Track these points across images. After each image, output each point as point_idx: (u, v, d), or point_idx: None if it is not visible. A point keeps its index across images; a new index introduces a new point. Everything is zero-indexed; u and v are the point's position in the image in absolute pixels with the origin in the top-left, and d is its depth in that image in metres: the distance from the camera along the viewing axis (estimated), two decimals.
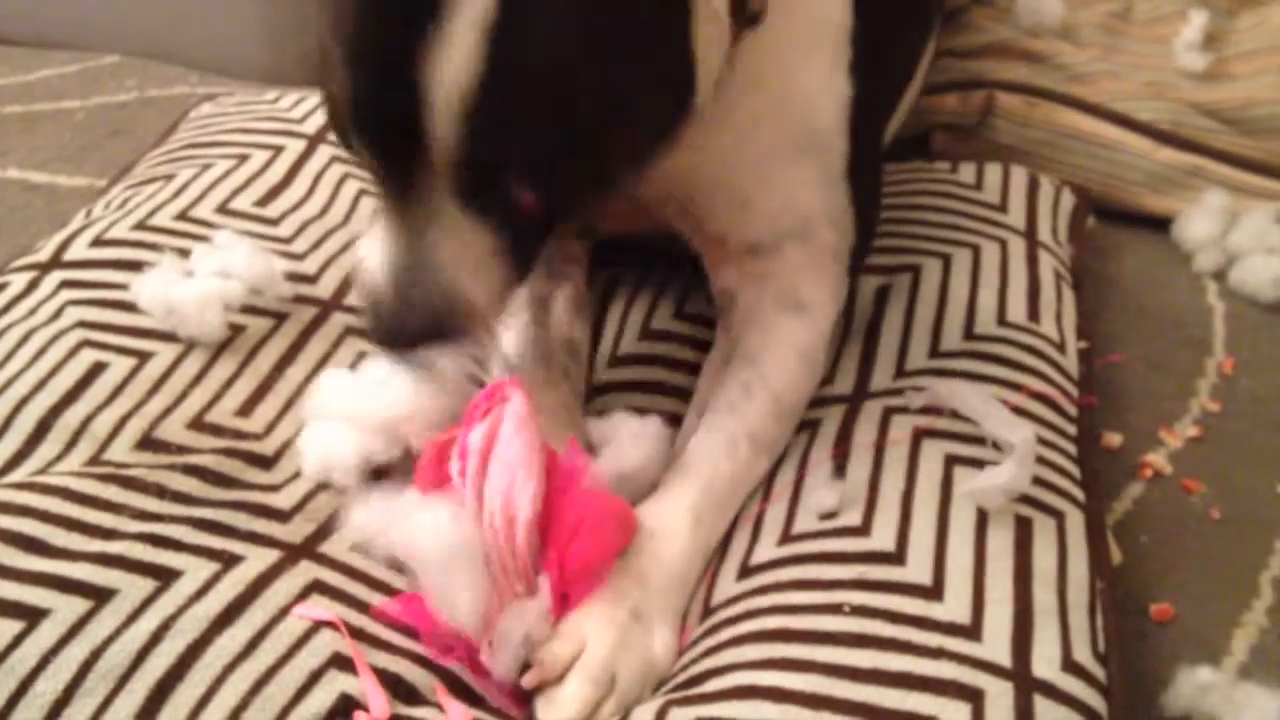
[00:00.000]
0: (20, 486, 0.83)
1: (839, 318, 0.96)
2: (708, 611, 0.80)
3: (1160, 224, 1.34)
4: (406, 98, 0.69)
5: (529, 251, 0.79)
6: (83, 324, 0.98)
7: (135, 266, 1.03)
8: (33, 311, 1.00)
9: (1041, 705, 0.71)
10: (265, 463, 0.89)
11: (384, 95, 0.70)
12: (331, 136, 1.22)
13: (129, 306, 0.99)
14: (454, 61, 0.68)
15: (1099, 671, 0.75)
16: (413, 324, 0.75)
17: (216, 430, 0.91)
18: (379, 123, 0.72)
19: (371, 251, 0.77)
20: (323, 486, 0.86)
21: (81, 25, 1.86)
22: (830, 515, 0.84)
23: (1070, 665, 0.74)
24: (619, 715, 0.73)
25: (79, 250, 1.06)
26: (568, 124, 0.71)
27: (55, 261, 1.05)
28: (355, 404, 0.88)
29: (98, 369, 0.94)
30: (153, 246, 1.05)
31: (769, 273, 0.93)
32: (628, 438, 0.86)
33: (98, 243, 1.07)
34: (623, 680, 0.73)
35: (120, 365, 0.95)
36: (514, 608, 0.74)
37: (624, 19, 0.73)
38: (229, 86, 1.49)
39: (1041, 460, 0.87)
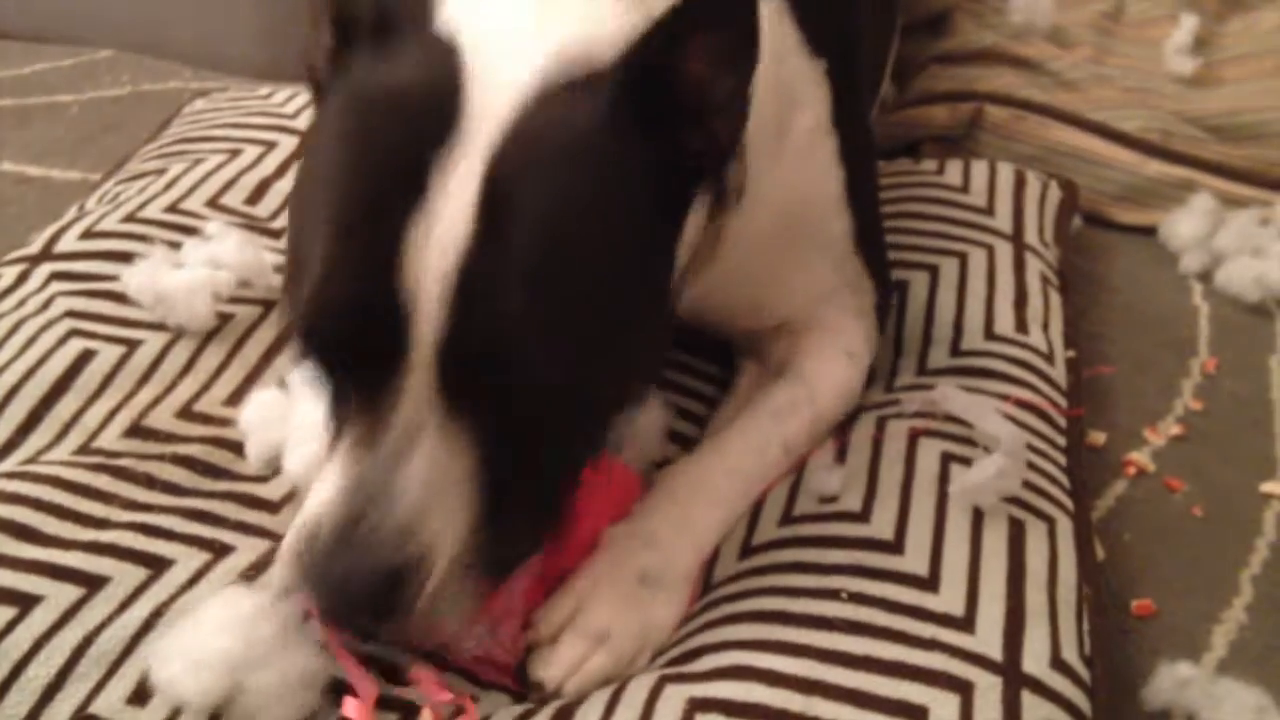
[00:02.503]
0: (11, 475, 0.83)
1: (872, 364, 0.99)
2: (707, 587, 0.81)
3: (1147, 227, 1.35)
4: (391, 286, 0.63)
5: (505, 489, 0.68)
6: (71, 314, 0.98)
7: (125, 258, 1.03)
8: (22, 302, 1.00)
9: (1029, 701, 0.72)
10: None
11: (366, 285, 0.64)
12: None
13: (118, 297, 1.00)
14: (442, 244, 0.63)
15: (1084, 672, 0.76)
16: (354, 568, 0.64)
17: (205, 419, 0.91)
18: (359, 316, 0.64)
19: (321, 487, 0.67)
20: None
21: (76, 19, 1.86)
22: (831, 499, 0.85)
23: (1058, 664, 0.75)
24: (612, 672, 0.74)
25: (69, 243, 1.06)
26: (559, 319, 0.65)
27: (45, 254, 1.05)
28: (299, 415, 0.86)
29: (86, 357, 0.94)
30: (142, 238, 1.05)
31: (810, 330, 0.97)
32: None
33: (87, 235, 1.07)
34: (617, 638, 0.74)
35: (109, 354, 0.95)
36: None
37: (615, 207, 0.69)
38: (223, 82, 1.49)
39: (1033, 468, 0.88)
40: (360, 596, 0.65)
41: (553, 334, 0.65)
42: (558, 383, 0.66)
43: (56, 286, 1.02)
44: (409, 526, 0.64)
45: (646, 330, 0.74)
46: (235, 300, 1.01)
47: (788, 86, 0.87)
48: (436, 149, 0.64)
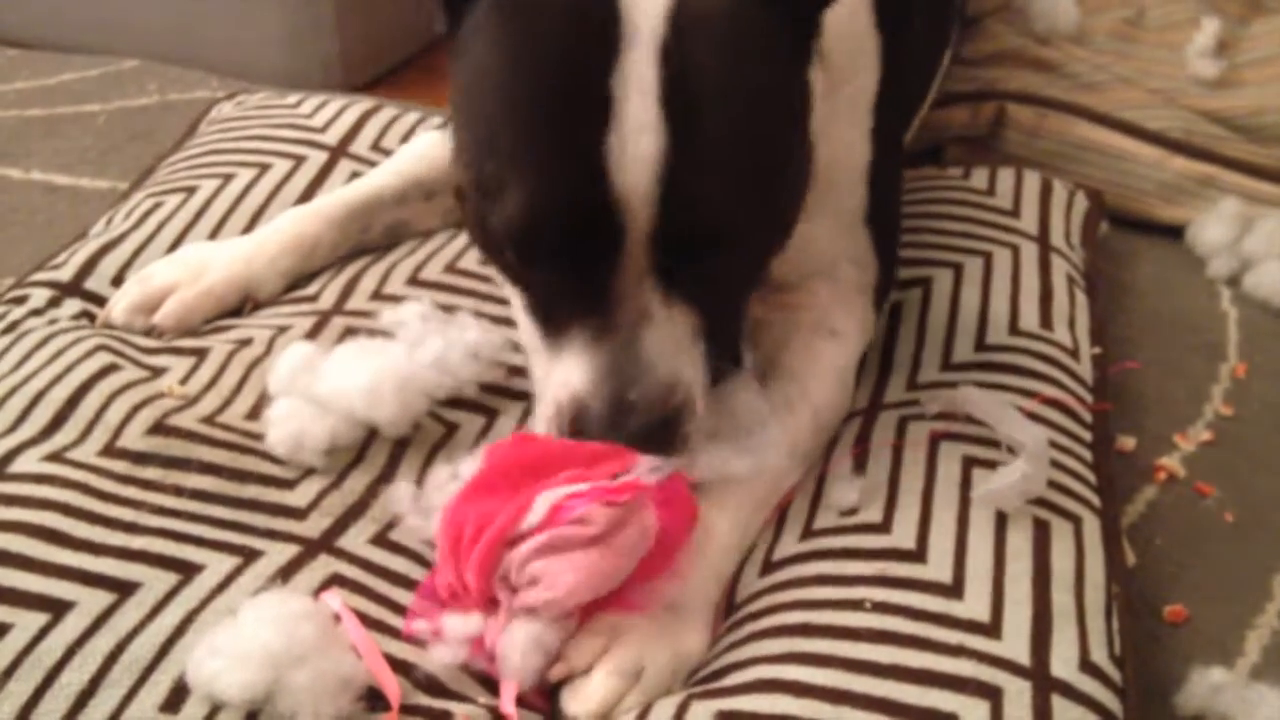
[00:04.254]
0: (40, 479, 0.84)
1: (866, 347, 0.99)
2: (731, 606, 0.81)
3: (1174, 230, 1.35)
4: (600, 191, 0.71)
5: (727, 330, 0.81)
6: (103, 347, 0.98)
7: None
8: (53, 322, 1.01)
9: (1059, 705, 0.71)
10: (279, 461, 0.88)
11: (576, 195, 0.71)
12: (353, 149, 1.24)
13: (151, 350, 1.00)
14: (640, 143, 0.70)
15: (1115, 673, 0.76)
16: (636, 426, 0.75)
17: (227, 428, 0.91)
18: (575, 224, 0.72)
19: (568, 372, 0.77)
20: (335, 485, 0.87)
21: (103, 29, 1.88)
22: (851, 511, 0.85)
23: (1087, 666, 0.74)
24: (644, 705, 0.73)
25: (101, 284, 1.07)
26: (750, 185, 0.74)
27: (77, 287, 1.06)
28: (324, 384, 0.87)
29: (112, 368, 0.95)
30: None
31: (799, 304, 0.97)
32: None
33: (119, 282, 1.07)
34: (650, 673, 0.74)
35: (132, 371, 0.96)
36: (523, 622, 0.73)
37: (769, 72, 0.78)
38: (249, 90, 1.49)
39: (1057, 465, 0.88)
40: (646, 440, 0.75)
41: (744, 205, 0.74)
42: (751, 245, 0.78)
43: (88, 324, 1.02)
44: (669, 385, 0.76)
45: (805, 174, 0.83)
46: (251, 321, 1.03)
47: (853, 56, 0.93)
48: (611, 53, 0.71)
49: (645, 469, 0.74)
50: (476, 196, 0.78)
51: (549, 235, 0.74)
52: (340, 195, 1.11)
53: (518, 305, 0.83)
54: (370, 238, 1.11)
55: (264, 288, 1.05)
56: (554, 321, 0.78)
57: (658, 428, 0.76)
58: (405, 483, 0.85)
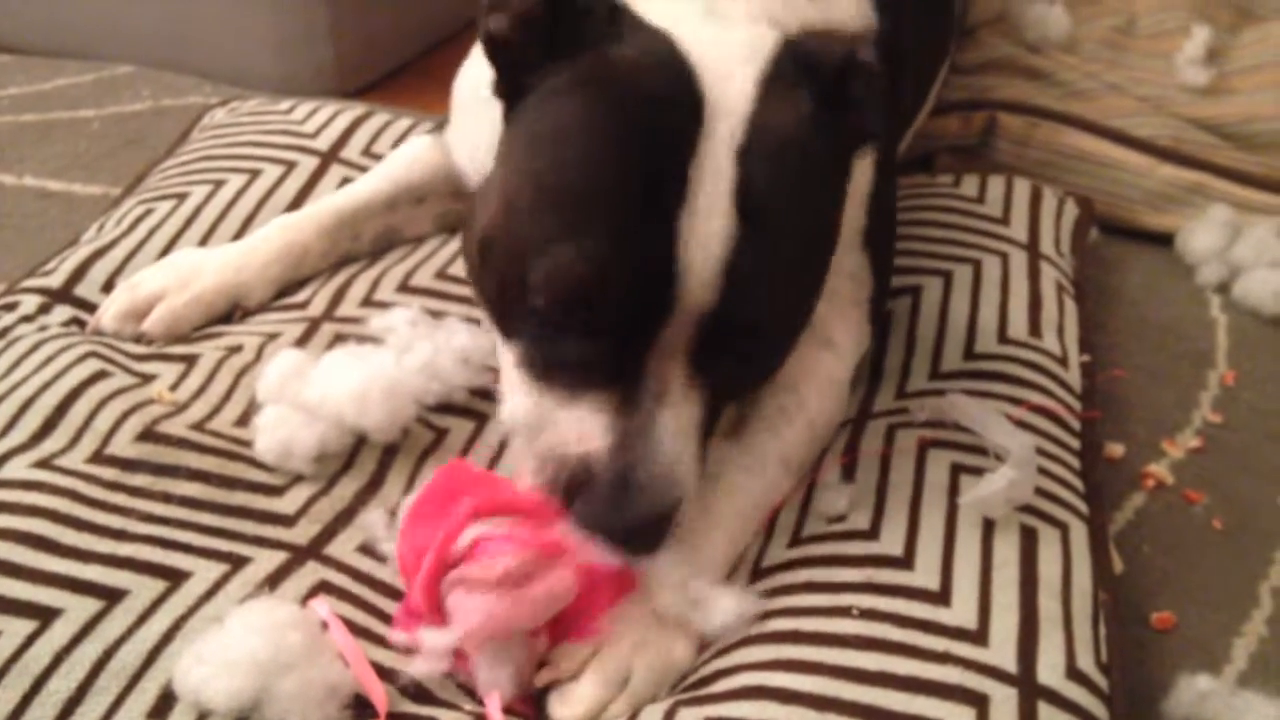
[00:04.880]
0: (28, 486, 0.84)
1: (862, 359, 0.99)
2: None
3: (1164, 238, 1.35)
4: (665, 261, 0.72)
5: (712, 426, 0.81)
6: (93, 354, 0.98)
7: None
8: (43, 329, 1.01)
9: (1045, 712, 0.72)
10: (268, 468, 0.88)
11: (643, 258, 0.73)
12: (344, 155, 1.24)
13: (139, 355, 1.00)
14: (711, 225, 0.73)
15: (1101, 680, 0.76)
16: (635, 511, 0.73)
17: (216, 435, 0.91)
18: (635, 286, 0.73)
19: (576, 430, 0.75)
20: (324, 492, 0.87)
21: (96, 35, 1.88)
22: (839, 519, 0.85)
23: (1074, 673, 0.75)
24: (631, 713, 0.74)
25: (91, 290, 1.07)
26: (795, 290, 0.79)
27: (67, 294, 1.06)
28: (312, 391, 0.88)
29: (101, 375, 0.95)
30: None
31: None
32: None
33: (109, 288, 1.07)
34: (637, 680, 0.74)
35: (122, 378, 0.96)
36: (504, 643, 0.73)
37: (825, 192, 0.83)
38: (242, 96, 1.49)
39: (1045, 473, 0.88)
40: (636, 534, 0.74)
41: (787, 307, 0.80)
42: (779, 346, 0.81)
43: (78, 331, 1.02)
44: (671, 475, 0.75)
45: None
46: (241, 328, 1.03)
47: None
48: (692, 141, 0.74)
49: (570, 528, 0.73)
50: (516, 248, 0.76)
51: (606, 290, 0.73)
52: (330, 202, 1.11)
53: (506, 357, 0.82)
54: (361, 245, 1.12)
55: (253, 295, 1.05)
56: (560, 379, 0.77)
57: (653, 523, 0.74)
58: (380, 511, 0.85)
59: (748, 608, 0.78)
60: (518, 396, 0.79)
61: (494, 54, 0.81)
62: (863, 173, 0.97)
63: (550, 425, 0.77)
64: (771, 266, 0.75)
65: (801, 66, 0.79)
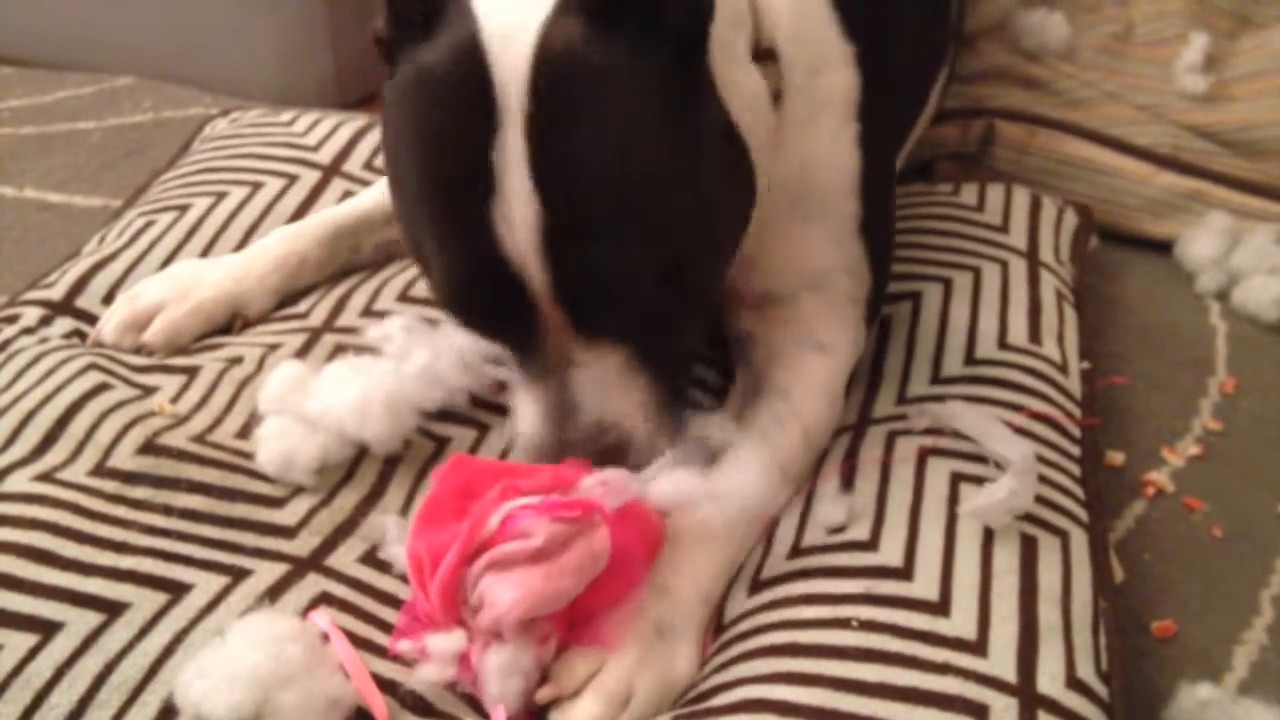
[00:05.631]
0: (30, 499, 0.84)
1: (857, 359, 0.99)
2: (719, 627, 0.81)
3: (1163, 245, 1.35)
4: (497, 258, 0.75)
5: (670, 370, 0.84)
6: (94, 366, 0.98)
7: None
8: (44, 340, 1.02)
9: None
10: (268, 478, 0.89)
11: (478, 264, 0.76)
12: (346, 168, 1.25)
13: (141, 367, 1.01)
14: (518, 210, 0.74)
15: (1102, 689, 0.76)
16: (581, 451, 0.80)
17: (217, 447, 0.91)
18: (484, 290, 0.77)
19: (523, 412, 0.83)
20: (325, 503, 0.87)
21: (97, 47, 1.89)
22: (839, 529, 0.85)
23: (1074, 682, 0.74)
24: None
25: (92, 302, 1.07)
26: (638, 226, 0.76)
27: (68, 306, 1.07)
28: (314, 403, 0.88)
29: (102, 387, 0.95)
30: None
31: (788, 318, 0.97)
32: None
33: (110, 300, 1.07)
34: (639, 698, 0.74)
35: (123, 390, 0.96)
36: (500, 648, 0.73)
37: (640, 105, 0.77)
38: (243, 107, 1.50)
39: (1045, 480, 0.88)
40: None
41: (635, 248, 0.76)
42: (659, 282, 0.78)
43: (79, 343, 1.03)
44: (600, 423, 0.80)
45: (727, 198, 0.84)
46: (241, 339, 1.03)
47: (816, 55, 0.94)
48: (485, 126, 0.74)
49: (600, 488, 0.76)
50: (408, 244, 0.83)
51: (467, 301, 0.80)
52: (329, 215, 1.12)
53: None
54: (361, 256, 1.12)
55: (253, 305, 1.05)
56: (511, 365, 0.85)
57: (602, 461, 0.79)
58: (392, 515, 0.85)
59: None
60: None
61: (383, 55, 0.83)
62: (843, 149, 0.96)
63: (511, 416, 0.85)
64: (596, 218, 0.75)
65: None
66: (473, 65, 0.75)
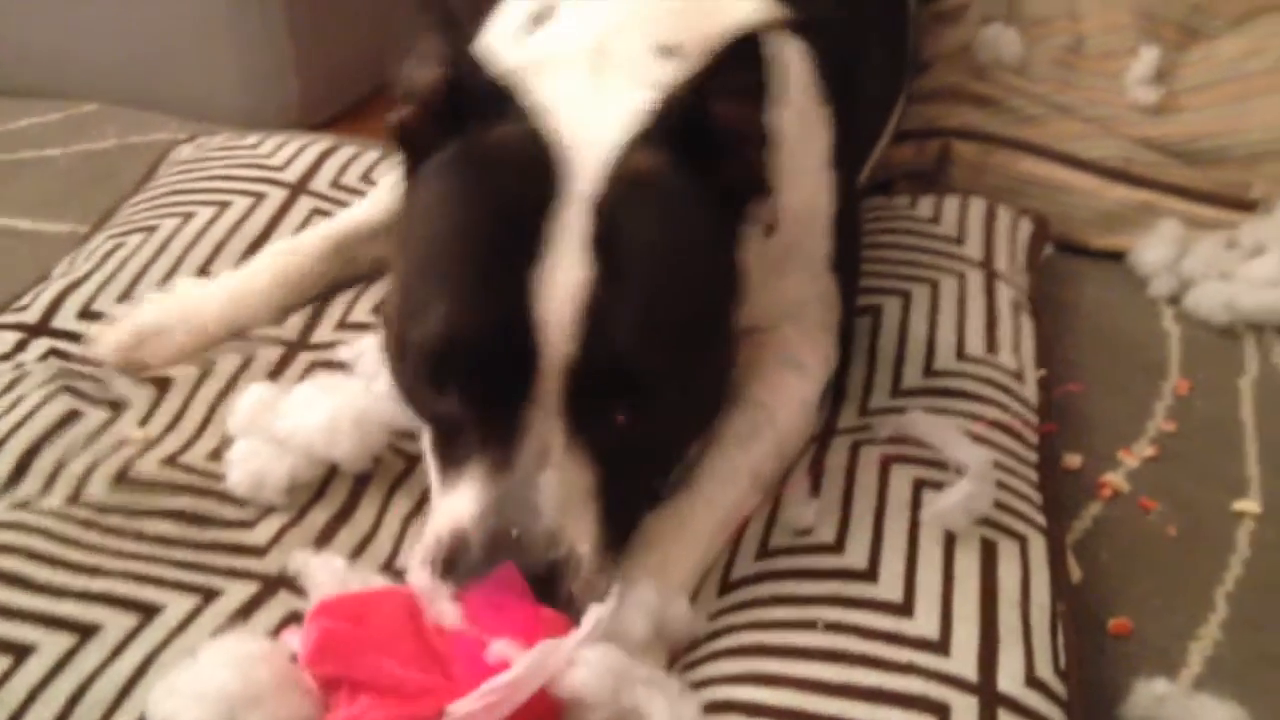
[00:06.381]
0: (4, 526, 0.84)
1: (831, 380, 1.02)
2: None
3: (1116, 252, 1.37)
4: (520, 315, 0.73)
5: (627, 499, 0.80)
6: (69, 389, 0.99)
7: None
8: (19, 366, 1.02)
9: (1005, 719, 0.73)
10: (239, 501, 0.89)
11: (496, 315, 0.74)
12: (313, 186, 1.25)
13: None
14: (563, 275, 0.74)
15: (1060, 687, 0.78)
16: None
17: (189, 469, 0.92)
18: (491, 342, 0.74)
19: (456, 504, 0.76)
20: (295, 522, 0.88)
21: (61, 72, 1.89)
22: (805, 532, 0.87)
23: (1033, 681, 0.77)
24: None
25: (68, 319, 1.08)
26: (668, 341, 0.77)
27: (43, 327, 1.07)
28: (283, 423, 0.89)
29: (73, 415, 0.96)
30: None
31: (767, 342, 1.00)
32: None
33: (85, 315, 1.08)
34: None
35: (94, 414, 0.96)
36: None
37: (695, 236, 0.82)
38: (209, 131, 1.50)
39: (1004, 486, 0.90)
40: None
41: (660, 358, 0.76)
42: (665, 400, 0.77)
43: (56, 363, 1.03)
44: (553, 534, 0.74)
45: (726, 344, 0.87)
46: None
47: (804, 124, 0.97)
48: (548, 202, 0.76)
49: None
50: (401, 318, 0.80)
51: (466, 351, 0.75)
52: (325, 229, 1.13)
53: (426, 446, 0.83)
54: (358, 268, 1.13)
55: (254, 322, 1.06)
56: (455, 457, 0.78)
57: (538, 577, 0.73)
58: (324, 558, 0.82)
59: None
60: (433, 489, 0.81)
61: (402, 140, 0.85)
62: (821, 198, 1.00)
63: (435, 508, 0.79)
64: (635, 314, 0.75)
65: (664, 123, 0.80)
66: (541, 148, 0.78)
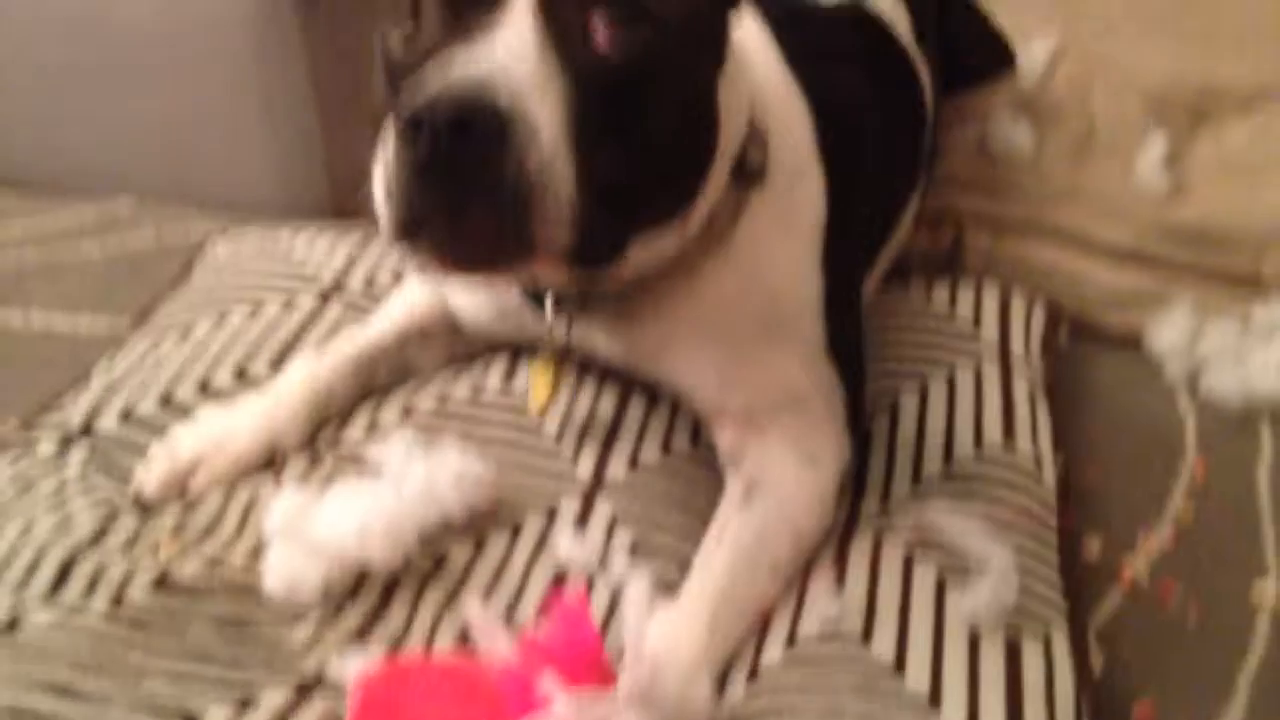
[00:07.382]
0: (50, 632, 0.88)
1: (844, 472, 1.03)
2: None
3: (1131, 336, 1.38)
4: None
5: (609, 153, 0.76)
6: (106, 497, 1.03)
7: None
8: (60, 469, 1.06)
9: None
10: (276, 604, 0.92)
11: None
12: (346, 288, 1.29)
13: None
14: None
15: None
16: (450, 95, 0.71)
17: (226, 576, 0.94)
18: None
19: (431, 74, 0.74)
20: (329, 624, 0.90)
21: (96, 167, 1.93)
22: (832, 622, 0.89)
23: None
24: None
25: (110, 424, 1.11)
26: None
27: (86, 430, 1.11)
28: (316, 528, 0.91)
29: (111, 519, 0.99)
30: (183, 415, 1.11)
31: (775, 434, 1.01)
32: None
33: (126, 419, 1.12)
34: None
35: (129, 521, 1.00)
36: None
37: None
38: (243, 223, 1.53)
39: (1026, 576, 0.92)
40: (467, 108, 0.71)
41: None
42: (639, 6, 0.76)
43: (94, 472, 1.06)
44: (511, 81, 0.72)
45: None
46: None
47: (796, 176, 1.00)
48: None
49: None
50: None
51: None
52: (346, 349, 1.16)
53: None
54: (379, 380, 1.16)
55: (287, 441, 1.08)
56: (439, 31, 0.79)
57: (493, 126, 0.71)
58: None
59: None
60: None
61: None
62: (808, 273, 1.01)
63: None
64: None
65: None
66: None
